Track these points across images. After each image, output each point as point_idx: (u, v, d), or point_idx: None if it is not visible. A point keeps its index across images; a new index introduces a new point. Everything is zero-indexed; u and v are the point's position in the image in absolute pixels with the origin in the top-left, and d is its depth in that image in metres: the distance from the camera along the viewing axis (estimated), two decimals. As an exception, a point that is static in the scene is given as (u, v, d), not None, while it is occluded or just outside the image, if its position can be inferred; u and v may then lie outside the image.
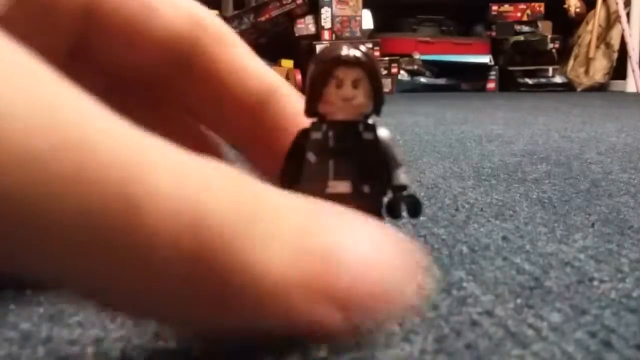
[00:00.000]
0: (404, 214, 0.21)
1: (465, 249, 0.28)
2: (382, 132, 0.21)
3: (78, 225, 0.12)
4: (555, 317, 0.20)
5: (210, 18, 0.22)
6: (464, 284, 0.23)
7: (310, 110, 0.21)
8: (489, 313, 0.20)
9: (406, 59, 2.45)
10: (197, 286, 0.14)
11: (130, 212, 0.12)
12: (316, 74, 0.20)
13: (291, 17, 2.34)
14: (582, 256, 0.26)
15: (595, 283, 0.23)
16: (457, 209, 0.36)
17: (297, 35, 2.34)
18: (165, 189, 0.13)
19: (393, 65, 2.34)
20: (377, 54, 2.34)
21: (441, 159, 0.59)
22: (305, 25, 2.35)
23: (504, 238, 0.30)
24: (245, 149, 0.25)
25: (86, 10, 0.20)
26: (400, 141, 0.75)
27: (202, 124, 0.25)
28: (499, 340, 0.18)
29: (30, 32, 0.17)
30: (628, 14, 2.51)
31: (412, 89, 2.40)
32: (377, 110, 0.21)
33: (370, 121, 0.21)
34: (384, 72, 2.31)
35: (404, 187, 0.21)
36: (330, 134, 0.21)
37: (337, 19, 2.35)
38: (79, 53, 0.21)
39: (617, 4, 2.47)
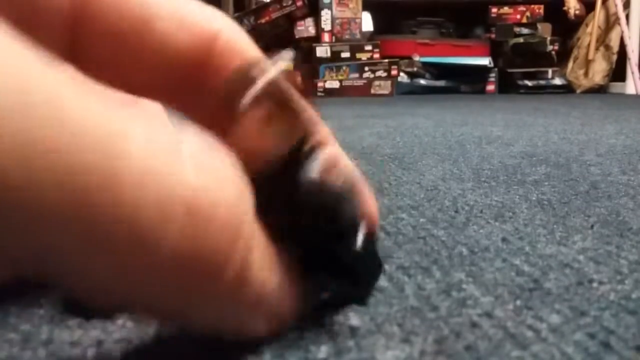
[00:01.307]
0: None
1: (465, 251, 0.28)
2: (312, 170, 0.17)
3: (62, 206, 0.12)
4: (555, 319, 0.20)
5: (227, 31, 0.20)
6: (464, 286, 0.23)
7: None
8: (489, 314, 0.20)
9: (406, 61, 2.45)
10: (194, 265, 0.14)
11: (112, 188, 0.12)
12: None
13: (291, 20, 2.34)
14: (581, 258, 0.27)
15: (595, 285, 0.23)
16: (456, 211, 0.36)
17: (297, 37, 2.34)
18: (138, 160, 0.13)
19: (393, 67, 2.34)
20: (377, 55, 2.34)
21: (441, 161, 0.59)
22: (305, 28, 2.35)
23: (504, 240, 0.30)
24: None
25: (74, 17, 0.18)
26: (400, 143, 0.75)
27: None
28: (499, 342, 0.18)
29: None
30: (627, 16, 2.51)
31: (411, 91, 2.40)
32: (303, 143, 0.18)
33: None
34: (384, 74, 2.31)
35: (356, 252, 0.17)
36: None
37: (337, 21, 2.35)
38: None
39: (616, 6, 2.47)
